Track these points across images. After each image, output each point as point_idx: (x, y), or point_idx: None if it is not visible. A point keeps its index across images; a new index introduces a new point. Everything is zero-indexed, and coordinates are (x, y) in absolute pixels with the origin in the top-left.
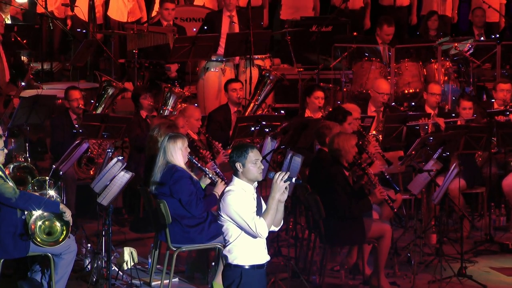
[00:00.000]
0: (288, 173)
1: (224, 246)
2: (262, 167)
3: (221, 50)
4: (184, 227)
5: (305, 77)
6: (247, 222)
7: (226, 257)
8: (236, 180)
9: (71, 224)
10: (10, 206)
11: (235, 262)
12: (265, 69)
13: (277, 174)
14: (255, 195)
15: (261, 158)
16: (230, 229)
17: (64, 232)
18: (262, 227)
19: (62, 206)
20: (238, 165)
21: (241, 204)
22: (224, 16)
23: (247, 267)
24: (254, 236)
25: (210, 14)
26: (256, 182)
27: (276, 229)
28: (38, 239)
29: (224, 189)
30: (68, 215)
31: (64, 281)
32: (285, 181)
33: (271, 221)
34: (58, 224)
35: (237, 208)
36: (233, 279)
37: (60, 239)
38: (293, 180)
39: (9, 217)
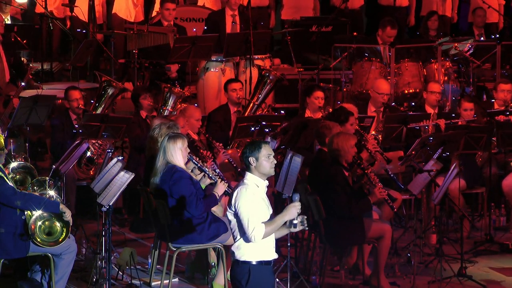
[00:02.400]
0: (305, 217)
1: (234, 242)
2: (275, 162)
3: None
4: None
5: (305, 77)
6: (249, 220)
7: (233, 253)
8: (249, 175)
9: (71, 224)
10: (10, 206)
11: (242, 259)
12: (265, 69)
13: (298, 204)
14: (265, 193)
15: (273, 153)
16: (236, 224)
17: (64, 232)
18: (259, 232)
19: (62, 206)
20: (251, 159)
21: (252, 202)
22: (227, 15)
23: (254, 263)
24: (247, 237)
25: (213, 14)
26: (267, 181)
27: None
28: (38, 239)
29: (238, 184)
30: (68, 215)
31: (64, 281)
32: (298, 214)
33: (269, 233)
34: (58, 224)
35: (247, 203)
36: (242, 276)
37: (60, 239)
38: (295, 222)
39: (9, 217)
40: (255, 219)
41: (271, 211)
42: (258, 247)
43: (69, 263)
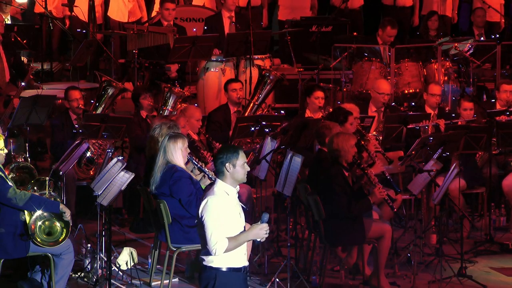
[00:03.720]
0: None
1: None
2: (248, 169)
3: None
4: (184, 227)
5: (305, 77)
6: (212, 234)
7: (202, 260)
8: (220, 183)
9: (71, 224)
10: (10, 206)
11: (210, 265)
12: (265, 69)
13: (266, 226)
14: (237, 200)
15: (246, 160)
16: None
17: (64, 232)
18: (221, 247)
19: (62, 206)
20: (228, 165)
21: (219, 215)
22: (224, 17)
23: (223, 269)
24: (209, 250)
25: (210, 18)
26: (238, 186)
27: None
28: (38, 239)
29: (206, 193)
30: (68, 215)
31: (64, 281)
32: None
33: (232, 248)
34: (58, 224)
35: (213, 216)
36: (208, 281)
37: (60, 239)
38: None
39: (9, 217)
40: (219, 233)
41: (243, 218)
42: (227, 254)
43: (69, 263)
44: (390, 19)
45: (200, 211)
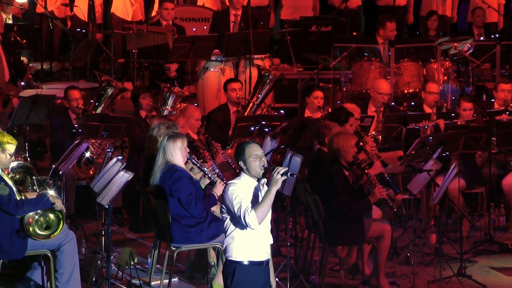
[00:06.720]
0: (286, 168)
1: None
2: (265, 161)
3: None
4: (184, 227)
5: (305, 77)
6: (238, 211)
7: (223, 252)
8: (243, 175)
9: (64, 211)
10: (8, 213)
11: (230, 258)
12: (265, 69)
13: (278, 169)
14: (262, 192)
15: (261, 151)
16: (228, 223)
17: (61, 221)
18: (252, 217)
19: (51, 198)
20: (241, 163)
21: (238, 195)
22: (231, 15)
23: (244, 263)
24: (245, 227)
25: (217, 14)
26: (264, 179)
27: None
28: (39, 235)
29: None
30: (58, 204)
31: (76, 276)
32: (282, 175)
33: (262, 213)
34: (51, 216)
35: (233, 198)
36: (228, 275)
37: (59, 228)
38: (289, 174)
39: (5, 219)
40: (245, 206)
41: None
42: (246, 247)
43: (72, 254)
44: (385, 16)
45: (222, 200)
